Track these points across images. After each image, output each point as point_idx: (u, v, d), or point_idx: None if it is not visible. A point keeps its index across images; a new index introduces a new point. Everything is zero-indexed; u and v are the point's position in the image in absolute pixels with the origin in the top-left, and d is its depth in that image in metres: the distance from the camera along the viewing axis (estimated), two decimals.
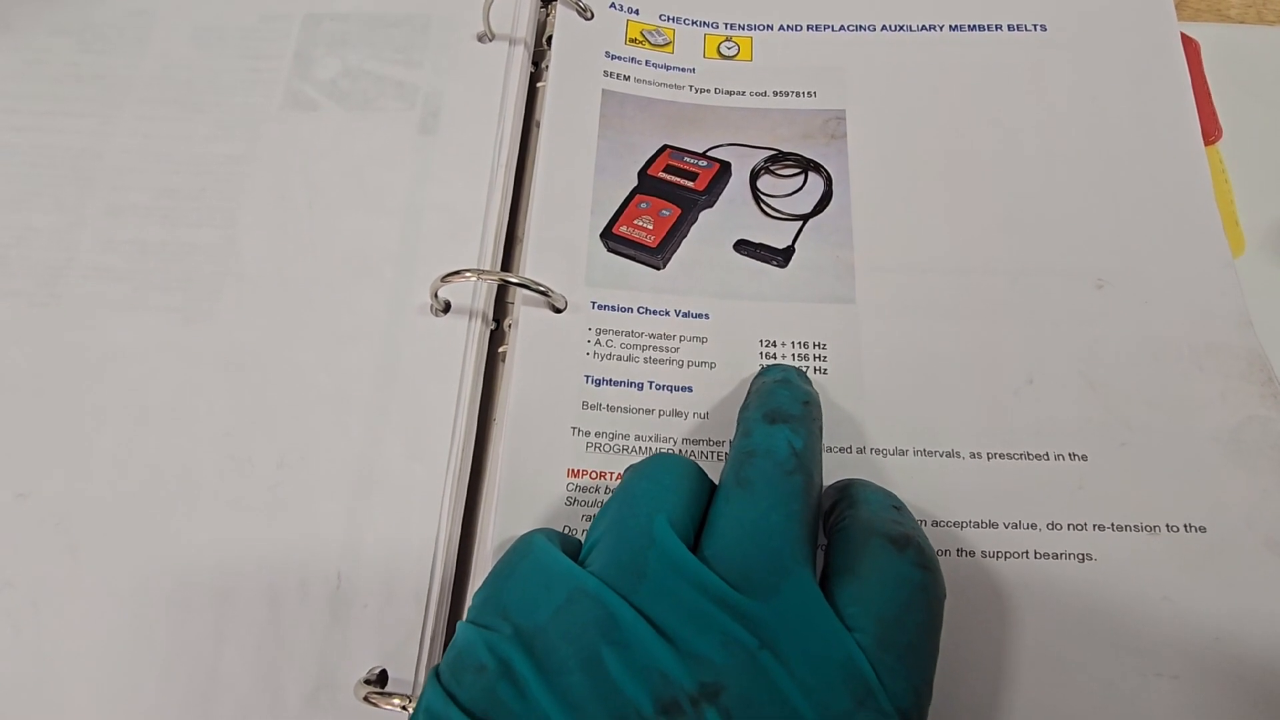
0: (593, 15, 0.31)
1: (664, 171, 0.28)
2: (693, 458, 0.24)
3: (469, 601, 0.23)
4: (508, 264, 0.28)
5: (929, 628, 0.18)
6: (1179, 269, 0.26)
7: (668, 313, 0.26)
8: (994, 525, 0.23)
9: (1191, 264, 0.26)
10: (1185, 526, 0.22)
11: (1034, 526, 0.22)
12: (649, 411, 0.25)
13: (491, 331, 0.27)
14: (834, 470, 0.24)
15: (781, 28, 0.31)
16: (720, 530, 0.18)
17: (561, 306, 0.26)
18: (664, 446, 0.24)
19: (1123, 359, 0.24)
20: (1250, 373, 0.24)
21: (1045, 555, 0.22)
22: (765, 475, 0.19)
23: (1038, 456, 0.23)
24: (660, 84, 0.30)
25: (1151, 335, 0.25)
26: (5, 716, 0.22)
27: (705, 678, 0.16)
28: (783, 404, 0.21)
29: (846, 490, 0.21)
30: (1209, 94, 0.30)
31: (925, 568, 0.18)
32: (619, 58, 0.30)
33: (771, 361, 0.25)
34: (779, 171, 0.29)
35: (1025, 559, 0.22)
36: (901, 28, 0.30)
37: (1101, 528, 0.22)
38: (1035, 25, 0.30)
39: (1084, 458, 0.23)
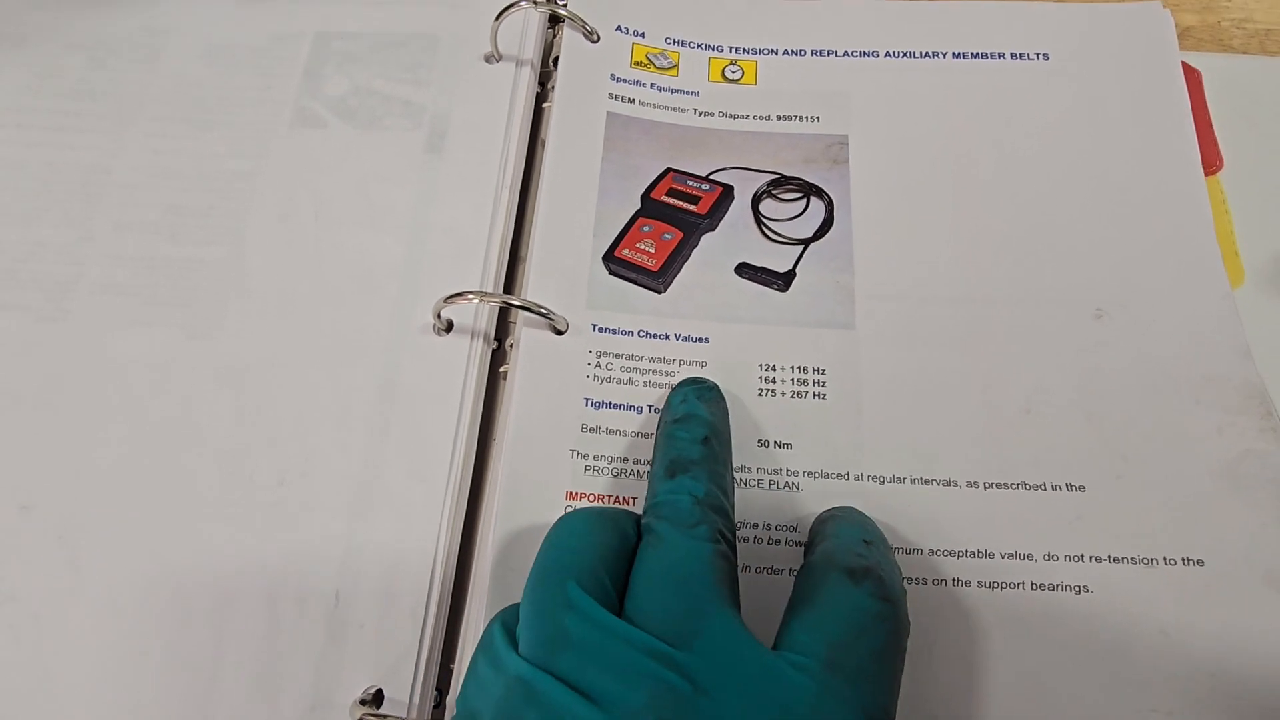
0: (599, 38, 0.31)
1: (667, 195, 0.29)
2: None
3: (465, 623, 0.23)
4: (510, 284, 0.28)
5: (884, 655, 0.18)
6: (1178, 300, 0.26)
7: (668, 336, 0.26)
8: (990, 555, 0.23)
9: (1190, 295, 0.26)
10: (1183, 560, 0.22)
11: (1030, 557, 0.22)
12: (648, 436, 0.25)
13: (493, 350, 0.27)
14: (831, 497, 0.24)
15: (786, 52, 0.31)
16: (638, 589, 0.18)
17: (563, 329, 0.26)
18: None
19: (1121, 390, 0.24)
20: (1248, 406, 0.24)
21: (1042, 586, 0.22)
22: (671, 534, 0.19)
23: (1035, 486, 0.23)
24: (664, 107, 0.30)
25: (1150, 366, 0.25)
26: None
27: None
28: (681, 451, 0.21)
29: (824, 525, 0.21)
30: (1210, 124, 0.30)
31: (883, 599, 0.18)
32: (624, 80, 0.30)
33: (685, 377, 0.25)
34: (781, 195, 0.29)
35: (1021, 590, 0.22)
36: (905, 54, 0.30)
37: (1098, 559, 0.22)
38: (1038, 54, 0.30)
39: (1081, 489, 0.23)
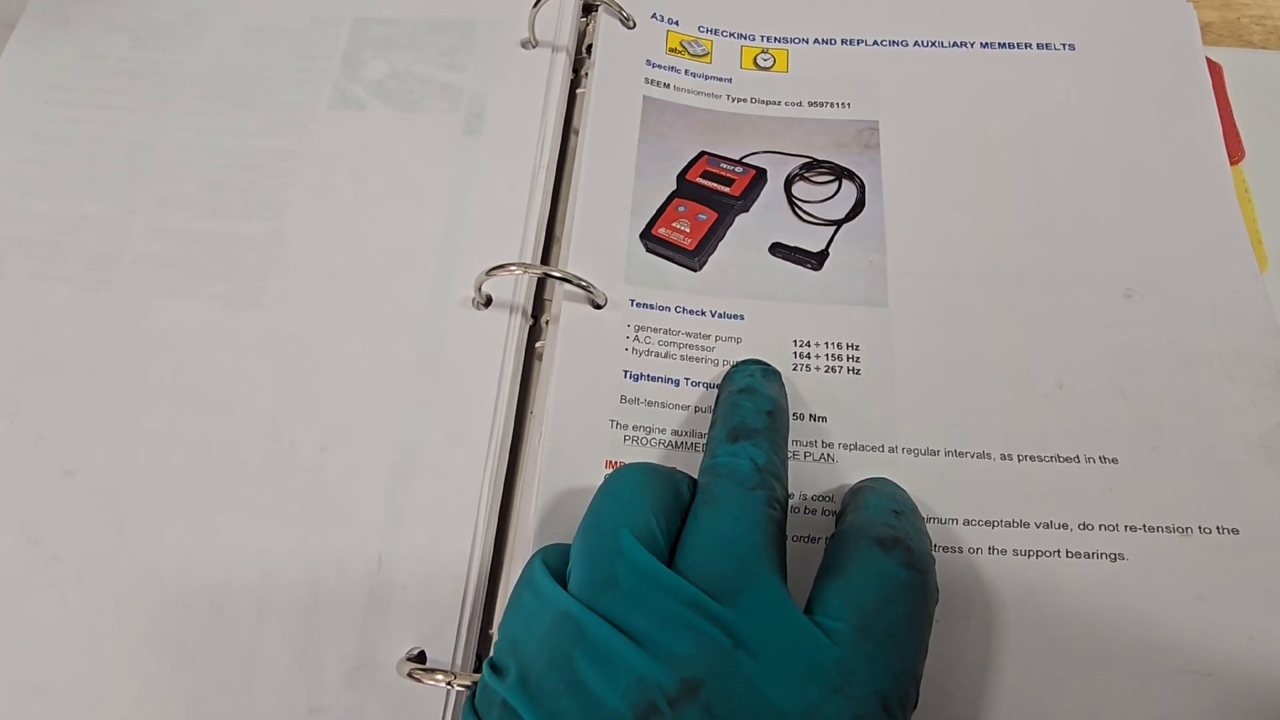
0: (635, 24, 0.32)
1: (701, 177, 0.29)
2: None
3: (503, 588, 0.24)
4: (546, 263, 0.29)
5: (912, 620, 0.18)
6: (1207, 280, 0.26)
7: (704, 312, 0.27)
8: (1025, 525, 0.23)
9: (1219, 275, 0.26)
10: (1217, 528, 0.22)
11: (1065, 526, 0.23)
12: (685, 407, 0.25)
13: (529, 328, 0.27)
14: (866, 468, 0.24)
15: (817, 41, 0.32)
16: (690, 544, 0.19)
17: (601, 303, 0.26)
18: (698, 441, 0.25)
19: (1152, 366, 0.25)
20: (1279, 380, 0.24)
21: (1077, 555, 0.22)
22: (728, 493, 0.19)
23: (1068, 459, 0.24)
24: (698, 92, 0.31)
25: (1180, 343, 0.25)
26: (49, 685, 0.22)
27: (685, 673, 0.16)
28: (745, 419, 0.22)
29: (856, 495, 0.22)
30: (1232, 116, 0.31)
31: (912, 567, 0.19)
32: (659, 66, 0.31)
33: (743, 359, 0.25)
34: (813, 178, 0.29)
35: (1057, 558, 0.22)
36: (934, 44, 0.31)
37: (1133, 528, 0.23)
38: (1064, 44, 0.31)
39: (1114, 460, 0.24)
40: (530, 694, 0.17)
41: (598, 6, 0.32)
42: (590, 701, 0.16)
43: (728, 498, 0.19)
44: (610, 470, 0.24)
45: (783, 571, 0.19)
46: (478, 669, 0.23)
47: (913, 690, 0.17)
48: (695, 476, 0.21)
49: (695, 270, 0.27)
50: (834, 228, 0.28)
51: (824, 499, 0.24)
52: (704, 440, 0.25)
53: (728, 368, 0.25)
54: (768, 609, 0.17)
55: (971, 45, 0.31)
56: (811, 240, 0.28)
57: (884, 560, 0.19)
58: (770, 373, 0.24)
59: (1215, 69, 0.31)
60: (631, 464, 0.21)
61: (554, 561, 0.20)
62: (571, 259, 0.27)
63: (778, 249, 0.28)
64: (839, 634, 0.17)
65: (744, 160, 0.30)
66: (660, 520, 0.19)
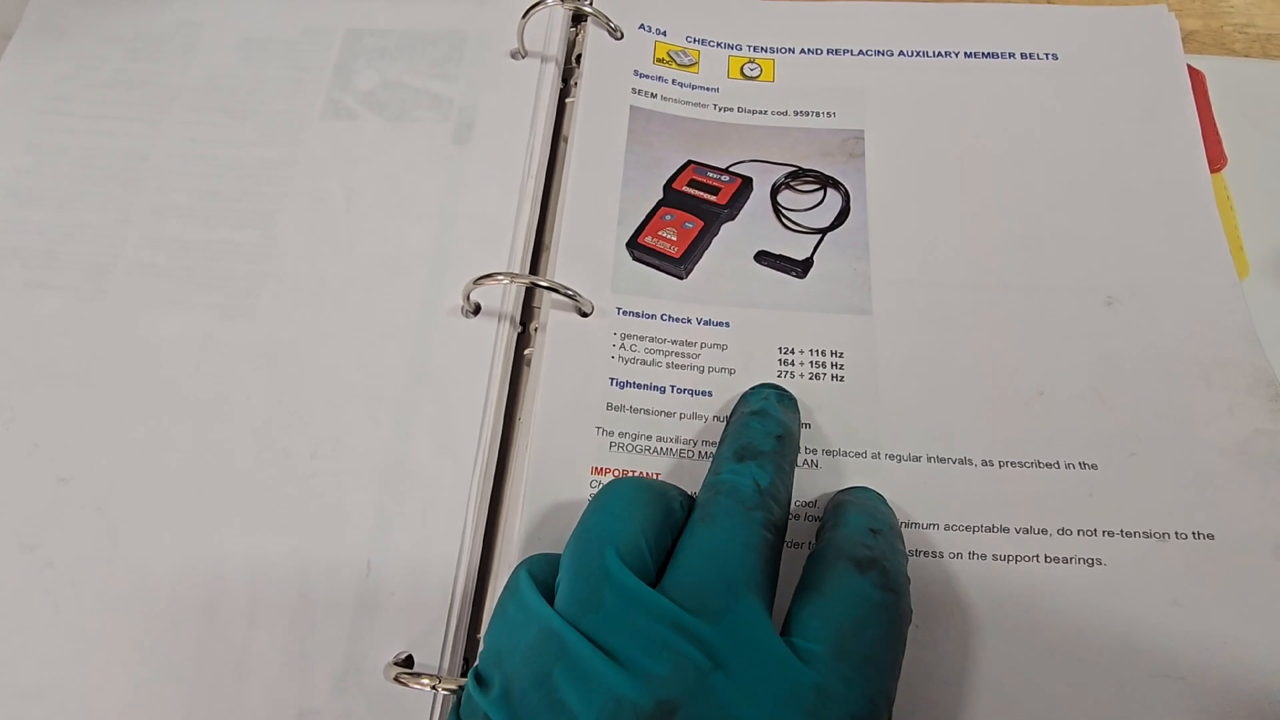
0: (623, 35, 0.32)
1: (688, 185, 0.30)
2: (709, 459, 0.24)
3: (491, 593, 0.24)
4: (535, 271, 0.29)
5: (887, 642, 0.18)
6: (1187, 288, 0.26)
7: (690, 320, 0.27)
8: (1005, 530, 0.23)
9: (1199, 283, 0.26)
10: (1194, 534, 0.23)
11: (1044, 532, 0.23)
12: (670, 414, 0.25)
13: (517, 335, 0.28)
14: (848, 474, 0.24)
15: (803, 51, 0.32)
16: (681, 560, 0.19)
17: (588, 311, 0.27)
18: (684, 448, 0.25)
19: (1132, 373, 0.25)
20: (1257, 388, 0.24)
21: (1055, 560, 0.23)
22: (727, 511, 0.20)
23: (1048, 465, 0.24)
24: (686, 102, 0.31)
25: (1160, 351, 0.25)
26: (41, 693, 0.22)
27: (661, 695, 0.16)
28: (754, 440, 0.22)
29: (837, 510, 0.22)
30: (1214, 124, 0.31)
31: (887, 589, 0.19)
32: (647, 76, 0.31)
33: (761, 382, 0.25)
34: (799, 187, 0.30)
35: (1035, 563, 0.23)
36: (918, 54, 0.31)
37: (1111, 534, 0.23)
38: (1047, 54, 0.31)
39: (1094, 467, 0.24)
40: (512, 710, 0.17)
41: (586, 17, 0.32)
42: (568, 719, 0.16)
43: (725, 515, 0.20)
44: (603, 480, 0.24)
45: (769, 595, 0.19)
46: (464, 673, 0.23)
47: (886, 711, 0.18)
48: (687, 490, 0.22)
49: (681, 278, 0.28)
50: (819, 236, 0.29)
51: (807, 504, 0.24)
52: (689, 446, 0.25)
53: (745, 389, 0.25)
54: (747, 631, 0.18)
55: (956, 55, 0.31)
56: (797, 248, 0.28)
57: (860, 582, 0.19)
58: (785, 398, 0.24)
59: (1198, 77, 0.32)
60: (625, 479, 0.21)
61: (539, 572, 0.20)
62: (559, 267, 0.27)
63: (763, 257, 0.28)
64: (815, 656, 0.17)
65: (730, 169, 0.30)
66: (649, 538, 0.19)
